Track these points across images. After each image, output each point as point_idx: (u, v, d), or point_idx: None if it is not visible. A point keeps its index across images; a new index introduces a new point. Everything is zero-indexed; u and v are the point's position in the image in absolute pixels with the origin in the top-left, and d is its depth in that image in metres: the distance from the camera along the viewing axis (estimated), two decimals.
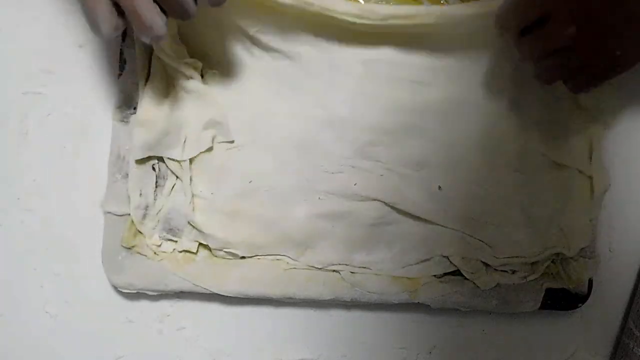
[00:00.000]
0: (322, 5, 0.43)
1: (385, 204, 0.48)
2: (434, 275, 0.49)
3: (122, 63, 0.46)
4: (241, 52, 0.46)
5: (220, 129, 0.46)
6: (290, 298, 0.48)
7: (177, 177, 0.47)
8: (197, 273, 0.47)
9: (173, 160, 0.46)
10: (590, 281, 0.50)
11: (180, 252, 0.48)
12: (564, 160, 0.49)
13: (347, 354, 0.52)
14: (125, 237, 0.46)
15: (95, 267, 0.47)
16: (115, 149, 0.47)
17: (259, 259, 0.48)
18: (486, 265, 0.49)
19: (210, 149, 0.47)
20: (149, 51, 0.45)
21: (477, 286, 0.49)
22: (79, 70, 0.48)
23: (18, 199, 0.48)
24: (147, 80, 0.45)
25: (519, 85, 0.48)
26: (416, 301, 0.49)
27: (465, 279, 0.49)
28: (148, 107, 0.45)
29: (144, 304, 0.50)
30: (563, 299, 0.50)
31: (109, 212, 0.47)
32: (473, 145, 0.48)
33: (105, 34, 0.35)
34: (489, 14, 0.43)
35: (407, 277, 0.49)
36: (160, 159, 0.47)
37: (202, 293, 0.47)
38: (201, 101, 0.46)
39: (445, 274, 0.49)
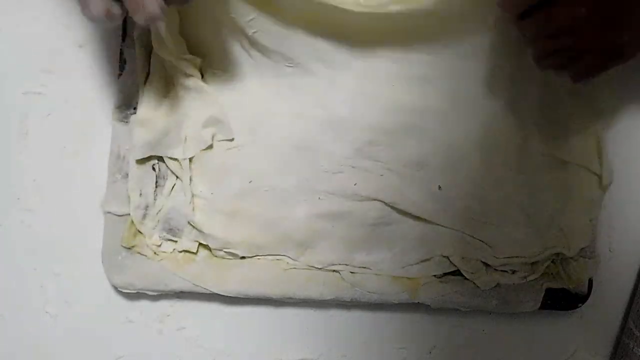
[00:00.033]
0: None
1: (385, 204, 0.48)
2: (434, 275, 0.49)
3: (122, 63, 0.46)
4: (240, 52, 0.46)
5: (220, 127, 0.46)
6: (290, 298, 0.48)
7: (177, 177, 0.47)
8: (197, 273, 0.47)
9: (173, 159, 0.46)
10: (590, 281, 0.50)
11: (180, 252, 0.48)
12: (565, 159, 0.49)
13: (347, 354, 0.52)
14: (125, 237, 0.46)
15: (95, 267, 0.47)
16: (115, 149, 0.47)
17: (259, 259, 0.48)
18: (486, 265, 0.49)
19: (210, 147, 0.47)
20: (148, 51, 0.45)
21: (477, 286, 0.49)
22: (79, 70, 0.48)
23: (18, 199, 0.48)
24: (147, 80, 0.45)
25: (518, 85, 0.48)
26: (416, 301, 0.49)
27: (465, 279, 0.49)
28: (148, 106, 0.45)
29: (144, 304, 0.50)
30: (563, 299, 0.50)
31: (109, 212, 0.47)
32: (473, 145, 0.48)
33: (96, 15, 0.33)
34: None
35: (407, 277, 0.49)
36: (160, 159, 0.47)
37: (202, 293, 0.47)
38: (200, 99, 0.46)
39: (445, 274, 0.49)
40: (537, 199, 0.49)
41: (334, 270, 0.49)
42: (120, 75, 0.46)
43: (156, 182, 0.47)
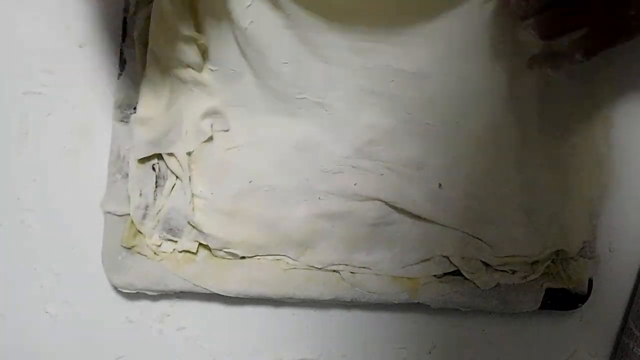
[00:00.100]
0: None
1: (386, 203, 0.48)
2: (434, 275, 0.49)
3: (122, 63, 0.46)
4: (238, 50, 0.46)
5: (217, 117, 0.46)
6: (290, 298, 0.48)
7: (177, 177, 0.47)
8: (197, 273, 0.47)
9: (173, 158, 0.46)
10: (590, 281, 0.50)
11: (180, 252, 0.48)
12: (565, 159, 0.49)
13: (347, 354, 0.52)
14: (125, 237, 0.46)
15: (95, 267, 0.47)
16: (115, 149, 0.47)
17: (259, 259, 0.48)
18: (486, 265, 0.49)
19: (210, 139, 0.46)
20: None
21: (477, 286, 0.49)
22: (79, 70, 0.48)
23: (18, 199, 0.48)
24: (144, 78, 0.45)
25: (519, 85, 0.48)
26: (416, 301, 0.49)
27: (465, 279, 0.49)
28: (146, 105, 0.45)
29: (144, 304, 0.50)
30: (563, 299, 0.50)
31: (109, 212, 0.47)
32: (473, 144, 0.48)
33: None
34: None
35: (407, 277, 0.49)
36: (160, 159, 0.47)
37: (202, 293, 0.47)
38: (198, 90, 0.46)
39: (445, 274, 0.49)
40: (537, 199, 0.49)
41: (334, 270, 0.49)
42: (120, 75, 0.46)
43: (156, 182, 0.47)
